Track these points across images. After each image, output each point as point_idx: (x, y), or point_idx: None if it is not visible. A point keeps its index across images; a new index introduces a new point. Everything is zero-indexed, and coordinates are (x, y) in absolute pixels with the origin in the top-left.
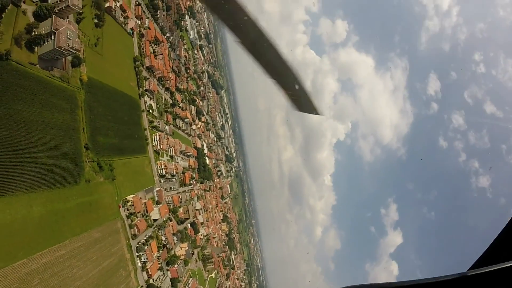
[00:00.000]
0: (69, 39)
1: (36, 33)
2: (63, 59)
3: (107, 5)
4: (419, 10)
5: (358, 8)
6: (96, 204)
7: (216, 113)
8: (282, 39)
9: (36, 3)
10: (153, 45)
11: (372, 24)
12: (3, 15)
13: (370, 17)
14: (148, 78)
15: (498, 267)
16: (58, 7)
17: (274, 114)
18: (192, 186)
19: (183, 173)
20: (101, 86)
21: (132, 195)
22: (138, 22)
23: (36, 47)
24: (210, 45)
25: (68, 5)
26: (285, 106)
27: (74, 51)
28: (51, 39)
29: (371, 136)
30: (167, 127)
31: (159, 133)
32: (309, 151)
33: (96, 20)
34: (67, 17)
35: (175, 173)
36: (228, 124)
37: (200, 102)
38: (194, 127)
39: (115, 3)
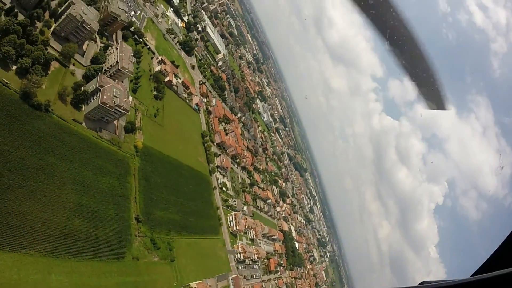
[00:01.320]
0: (116, 96)
1: (82, 91)
2: (115, 122)
3: (166, 79)
4: (480, 38)
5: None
6: (144, 287)
7: (303, 195)
8: (356, 113)
9: (87, 67)
10: (223, 123)
11: (439, 71)
12: (49, 72)
13: (435, 65)
14: (220, 155)
15: (501, 273)
16: (109, 71)
17: (363, 191)
18: (279, 273)
19: (267, 258)
20: (161, 157)
21: (198, 282)
22: (204, 99)
23: (83, 106)
24: (286, 129)
25: (118, 69)
26: (374, 180)
27: (122, 111)
28: (96, 96)
29: (473, 190)
30: (245, 208)
31: (235, 212)
32: (407, 224)
33: (155, 92)
34: (121, 82)
35: (256, 258)
36: (317, 207)
37: (284, 184)
38: (278, 209)
39: (176, 79)
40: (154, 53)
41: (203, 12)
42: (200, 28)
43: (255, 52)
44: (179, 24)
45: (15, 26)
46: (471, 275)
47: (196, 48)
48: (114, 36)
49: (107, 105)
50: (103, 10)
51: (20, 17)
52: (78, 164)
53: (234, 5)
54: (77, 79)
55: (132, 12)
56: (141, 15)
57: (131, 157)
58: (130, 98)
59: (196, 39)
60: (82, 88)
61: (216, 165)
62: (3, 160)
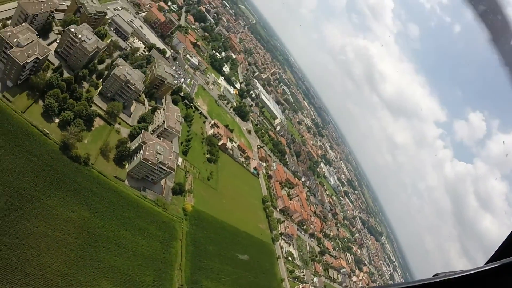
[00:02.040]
0: (159, 154)
1: (125, 148)
2: (162, 183)
3: (220, 143)
4: None
5: (482, 89)
6: None
7: (381, 261)
8: (426, 164)
9: (133, 126)
10: (285, 187)
11: (503, 96)
12: (93, 128)
13: (497, 90)
14: (283, 221)
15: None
16: (157, 131)
17: (446, 248)
18: None
19: None
20: (213, 222)
21: None
22: (263, 163)
23: (126, 164)
24: (356, 192)
25: (165, 128)
26: (456, 234)
27: (167, 170)
28: (139, 153)
29: None
30: (315, 279)
31: (304, 285)
32: None
33: (208, 155)
34: (170, 142)
35: None
36: (397, 273)
37: (358, 250)
38: (354, 278)
39: (232, 143)
40: (206, 118)
41: (255, 80)
42: (253, 95)
43: (313, 117)
44: (232, 91)
45: (59, 82)
46: (485, 263)
47: (251, 114)
48: (163, 100)
49: (150, 162)
50: (150, 74)
51: (66, 76)
52: (115, 222)
53: (287, 74)
54: (122, 137)
55: (182, 80)
56: (192, 83)
57: (179, 220)
58: (180, 159)
59: (251, 105)
60: (126, 145)
61: (279, 232)
62: (31, 206)
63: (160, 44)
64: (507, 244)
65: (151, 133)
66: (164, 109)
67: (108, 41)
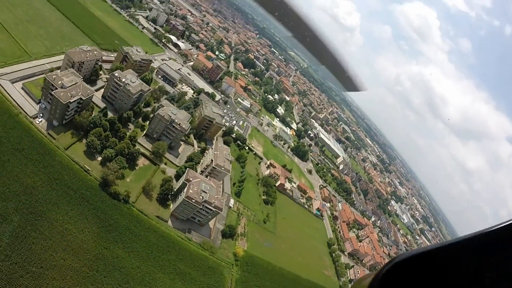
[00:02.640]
0: (204, 192)
1: (168, 187)
2: (210, 225)
3: (277, 183)
4: None
5: None
6: None
7: None
8: (505, 187)
9: (179, 167)
10: (354, 229)
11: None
12: (136, 167)
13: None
14: (353, 266)
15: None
16: (205, 171)
17: None
18: None
19: None
20: (269, 268)
21: None
22: (327, 204)
23: (170, 204)
24: (432, 229)
25: (213, 167)
26: None
27: (213, 209)
28: (183, 192)
29: None
30: None
31: None
32: None
33: (264, 197)
34: (219, 182)
35: None
36: None
37: None
38: None
39: (291, 184)
40: (261, 158)
41: (313, 120)
42: (312, 135)
43: (378, 153)
44: (288, 132)
45: (102, 121)
46: None
47: (310, 154)
48: (214, 141)
49: (193, 201)
50: (198, 116)
51: (110, 116)
52: (152, 263)
53: (345, 113)
54: (166, 176)
55: (234, 122)
56: (245, 125)
57: (228, 266)
58: (232, 201)
59: (309, 145)
60: (170, 184)
61: (349, 279)
62: (61, 237)
63: (208, 89)
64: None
65: (200, 173)
66: (212, 148)
67: (156, 87)
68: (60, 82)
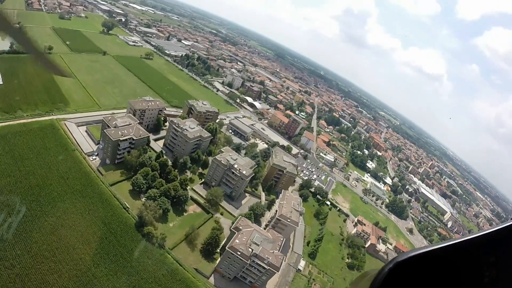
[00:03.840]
0: (256, 244)
1: (215, 236)
2: None
3: (367, 244)
4: None
5: None
6: None
7: None
8: None
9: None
10: None
11: None
12: (185, 213)
13: None
14: None
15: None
16: (269, 224)
17: None
18: None
19: None
20: None
21: None
22: None
23: (218, 258)
24: None
25: (277, 218)
26: None
27: (267, 267)
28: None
29: None
30: None
31: None
32: None
33: (348, 260)
34: (291, 238)
35: None
36: None
37: None
38: None
39: (385, 245)
40: (347, 216)
41: (411, 175)
42: (410, 190)
43: (492, 207)
44: (382, 187)
45: (152, 162)
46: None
47: (410, 210)
48: (285, 193)
49: (239, 253)
50: (267, 166)
51: (163, 159)
52: None
53: (448, 167)
54: (220, 227)
55: (315, 176)
56: (328, 179)
57: None
58: (303, 262)
59: (409, 201)
60: (218, 233)
61: None
62: (74, 266)
63: (284, 143)
64: None
65: (264, 228)
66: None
67: (221, 136)
68: (114, 122)
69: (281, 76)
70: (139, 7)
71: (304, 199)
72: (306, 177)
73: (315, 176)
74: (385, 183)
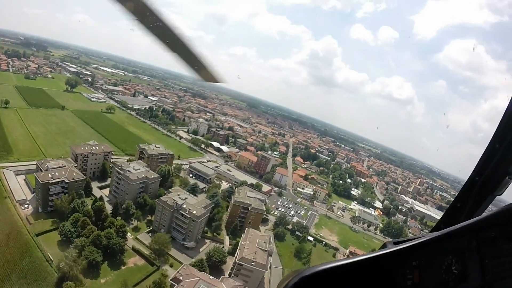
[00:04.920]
0: None
1: None
2: None
3: None
4: None
5: None
6: None
7: None
8: None
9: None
10: None
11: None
12: (123, 266)
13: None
14: None
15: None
16: (232, 272)
17: None
18: None
19: None
20: None
21: None
22: None
23: None
24: None
25: (238, 263)
26: None
27: None
28: None
29: None
30: None
31: None
32: None
33: None
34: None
35: None
36: None
37: None
38: None
39: None
40: (337, 249)
41: (401, 195)
42: (404, 210)
43: (489, 209)
44: (373, 212)
45: (85, 207)
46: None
47: (409, 230)
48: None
49: None
50: (230, 206)
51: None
52: None
53: (437, 182)
54: (162, 278)
55: (292, 212)
56: (308, 214)
57: None
58: None
59: (405, 221)
60: None
61: None
62: None
63: (253, 181)
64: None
65: (228, 277)
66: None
67: (174, 177)
68: (46, 165)
69: (253, 122)
70: (109, 70)
71: (280, 238)
72: (282, 215)
73: (292, 212)
74: (375, 208)
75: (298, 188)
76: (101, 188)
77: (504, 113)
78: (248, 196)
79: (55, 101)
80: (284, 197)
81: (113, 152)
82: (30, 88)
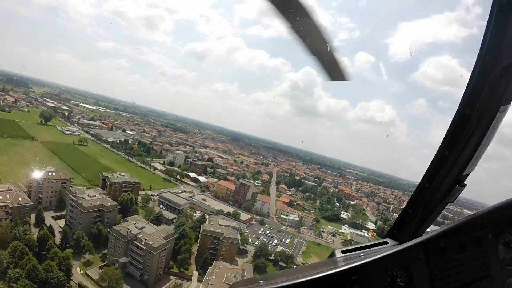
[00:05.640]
0: None
1: None
2: None
3: None
4: None
5: None
6: None
7: None
8: None
9: None
10: None
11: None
12: None
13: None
14: None
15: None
16: None
17: None
18: None
19: None
20: None
21: None
22: None
23: None
24: None
25: None
26: None
27: None
28: None
29: None
30: None
31: None
32: None
33: None
34: None
35: None
36: None
37: None
38: None
39: None
40: None
41: (394, 214)
42: None
43: None
44: (366, 234)
45: (28, 235)
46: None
47: None
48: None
49: None
50: (200, 237)
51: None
52: None
53: None
54: None
55: (276, 241)
56: (294, 242)
57: None
58: None
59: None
60: None
61: None
62: None
63: (230, 210)
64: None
65: None
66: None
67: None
68: None
69: (235, 153)
70: (90, 106)
71: (261, 270)
72: (264, 244)
73: (276, 241)
74: (368, 229)
75: (282, 215)
76: (57, 218)
77: (453, 119)
78: (219, 225)
79: (26, 132)
80: (267, 225)
81: (72, 180)
82: (2, 120)
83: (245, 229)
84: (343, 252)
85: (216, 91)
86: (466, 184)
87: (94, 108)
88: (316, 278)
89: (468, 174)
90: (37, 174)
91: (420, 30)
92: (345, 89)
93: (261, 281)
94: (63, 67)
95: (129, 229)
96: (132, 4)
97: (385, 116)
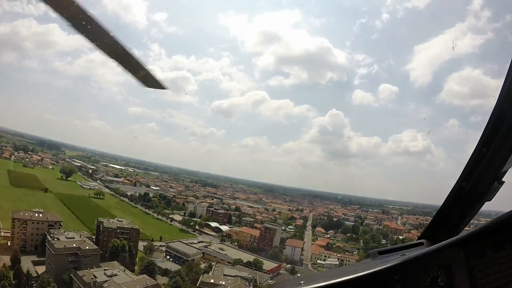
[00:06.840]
0: None
1: None
2: None
3: None
4: None
5: None
6: None
7: None
8: None
9: None
10: None
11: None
12: None
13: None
14: None
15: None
16: None
17: None
18: None
19: None
20: None
21: None
22: None
23: None
24: None
25: None
26: None
27: None
28: None
29: None
30: None
31: None
32: None
33: None
34: None
35: None
36: None
37: None
38: None
39: None
40: None
41: None
42: None
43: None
44: None
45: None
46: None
47: None
48: None
49: None
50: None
51: None
52: None
53: (481, 220)
54: None
55: None
56: None
57: None
58: None
59: None
60: None
61: None
62: None
63: (250, 258)
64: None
65: None
66: None
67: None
68: None
69: (267, 202)
70: (118, 167)
71: None
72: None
73: None
74: None
75: (318, 261)
76: (38, 263)
77: (491, 115)
78: (224, 275)
79: (41, 184)
80: (299, 274)
81: (61, 223)
82: (23, 173)
83: (269, 280)
84: (379, 253)
85: (246, 146)
86: (504, 182)
87: (123, 168)
88: (357, 277)
89: (506, 171)
90: (20, 214)
91: (436, 48)
92: (374, 125)
93: (302, 281)
94: (96, 133)
95: (94, 276)
96: (156, 68)
97: (419, 145)
